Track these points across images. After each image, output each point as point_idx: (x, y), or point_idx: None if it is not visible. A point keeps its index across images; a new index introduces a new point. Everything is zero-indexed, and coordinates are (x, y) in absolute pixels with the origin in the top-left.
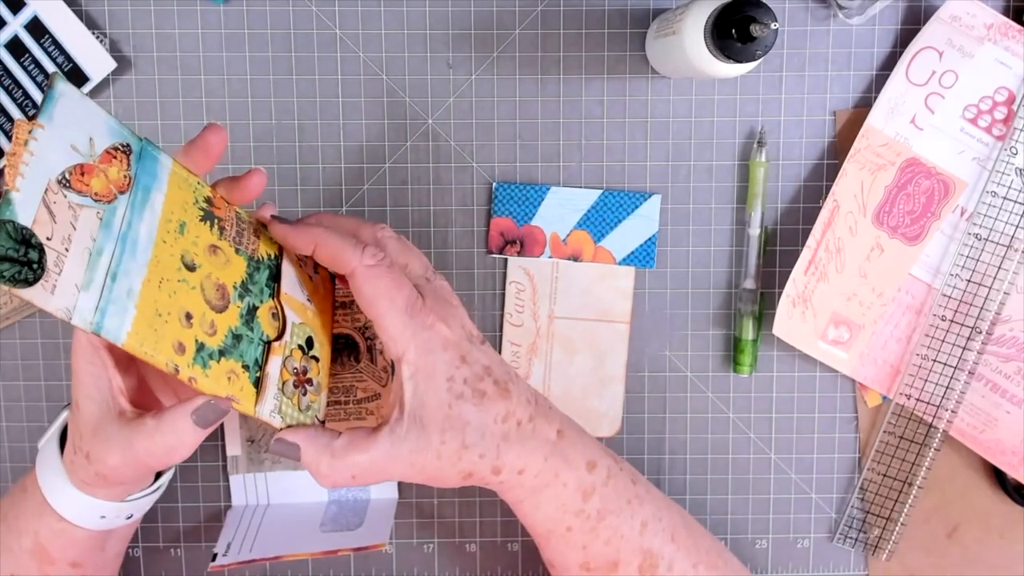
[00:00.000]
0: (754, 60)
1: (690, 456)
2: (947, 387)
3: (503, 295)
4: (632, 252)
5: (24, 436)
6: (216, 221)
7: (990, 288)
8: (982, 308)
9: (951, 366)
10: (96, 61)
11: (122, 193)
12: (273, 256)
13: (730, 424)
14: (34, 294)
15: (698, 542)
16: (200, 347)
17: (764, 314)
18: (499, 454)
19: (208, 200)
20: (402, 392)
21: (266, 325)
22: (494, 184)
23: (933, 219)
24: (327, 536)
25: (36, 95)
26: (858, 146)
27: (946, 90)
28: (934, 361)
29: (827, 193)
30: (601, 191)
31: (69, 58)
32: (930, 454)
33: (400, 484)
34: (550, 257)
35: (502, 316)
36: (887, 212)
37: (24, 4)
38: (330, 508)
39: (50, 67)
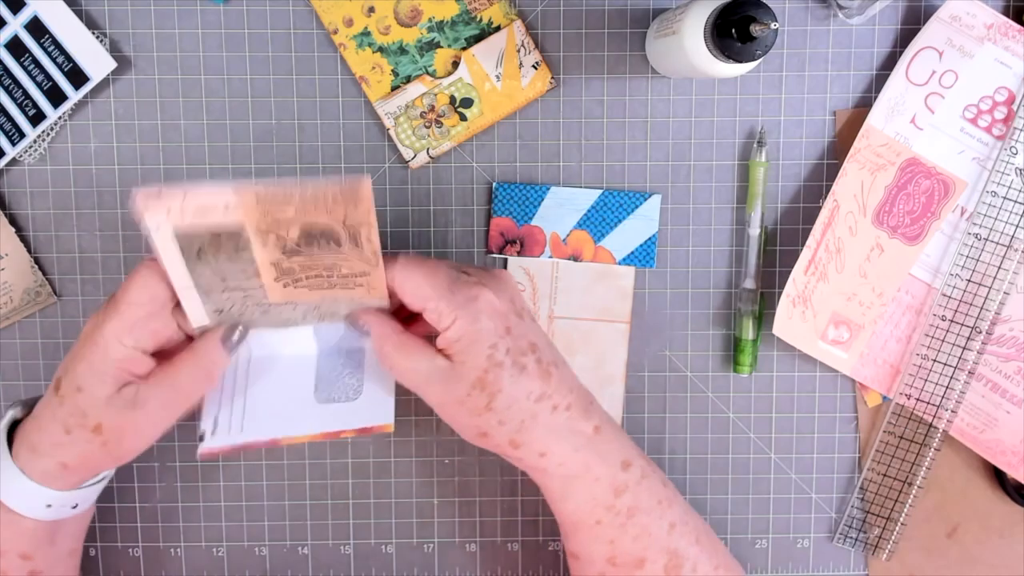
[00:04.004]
0: (754, 60)
1: (690, 456)
2: (947, 387)
3: None
4: (632, 252)
5: None
6: None
7: (990, 288)
8: (982, 308)
9: (951, 366)
10: (96, 61)
11: None
12: None
13: (730, 424)
14: None
15: (716, 547)
16: (367, 33)
17: (764, 314)
18: (521, 429)
19: None
20: (450, 349)
21: (439, 65)
22: (494, 184)
23: (933, 219)
24: (324, 409)
25: (36, 95)
26: (858, 146)
27: (946, 90)
28: (934, 361)
29: (827, 193)
30: (601, 191)
31: (69, 58)
32: (930, 454)
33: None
34: (550, 257)
35: None
36: (887, 212)
37: (24, 4)
38: (322, 363)
39: (50, 67)
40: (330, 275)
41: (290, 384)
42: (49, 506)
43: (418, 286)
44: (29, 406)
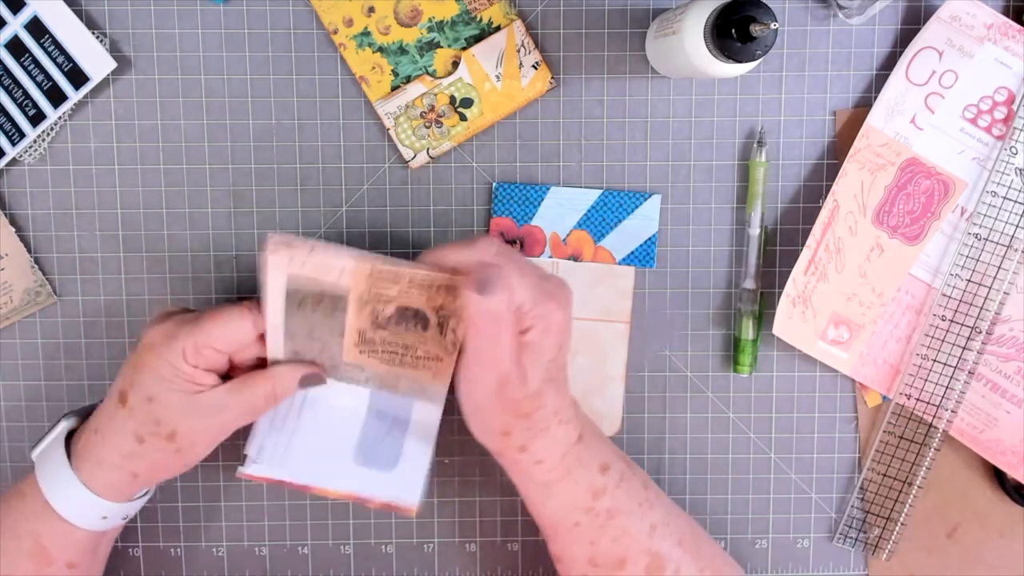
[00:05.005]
0: (754, 60)
1: (690, 456)
2: (947, 387)
3: None
4: (632, 252)
5: (24, 436)
6: None
7: (990, 288)
8: (982, 308)
9: (951, 366)
10: (96, 61)
11: None
12: None
13: (730, 424)
14: None
15: (702, 549)
16: (367, 33)
17: (764, 314)
18: (536, 437)
19: None
20: (521, 354)
21: (439, 65)
22: (494, 184)
23: (933, 219)
24: (359, 472)
25: (36, 95)
26: (858, 146)
27: (946, 90)
28: (934, 361)
29: (827, 193)
30: (601, 191)
31: (69, 58)
32: (930, 454)
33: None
34: (550, 257)
35: None
36: (887, 212)
37: (24, 4)
38: (368, 425)
39: (50, 67)
40: (404, 354)
41: (335, 436)
42: (105, 518)
43: (507, 280)
44: (82, 415)
